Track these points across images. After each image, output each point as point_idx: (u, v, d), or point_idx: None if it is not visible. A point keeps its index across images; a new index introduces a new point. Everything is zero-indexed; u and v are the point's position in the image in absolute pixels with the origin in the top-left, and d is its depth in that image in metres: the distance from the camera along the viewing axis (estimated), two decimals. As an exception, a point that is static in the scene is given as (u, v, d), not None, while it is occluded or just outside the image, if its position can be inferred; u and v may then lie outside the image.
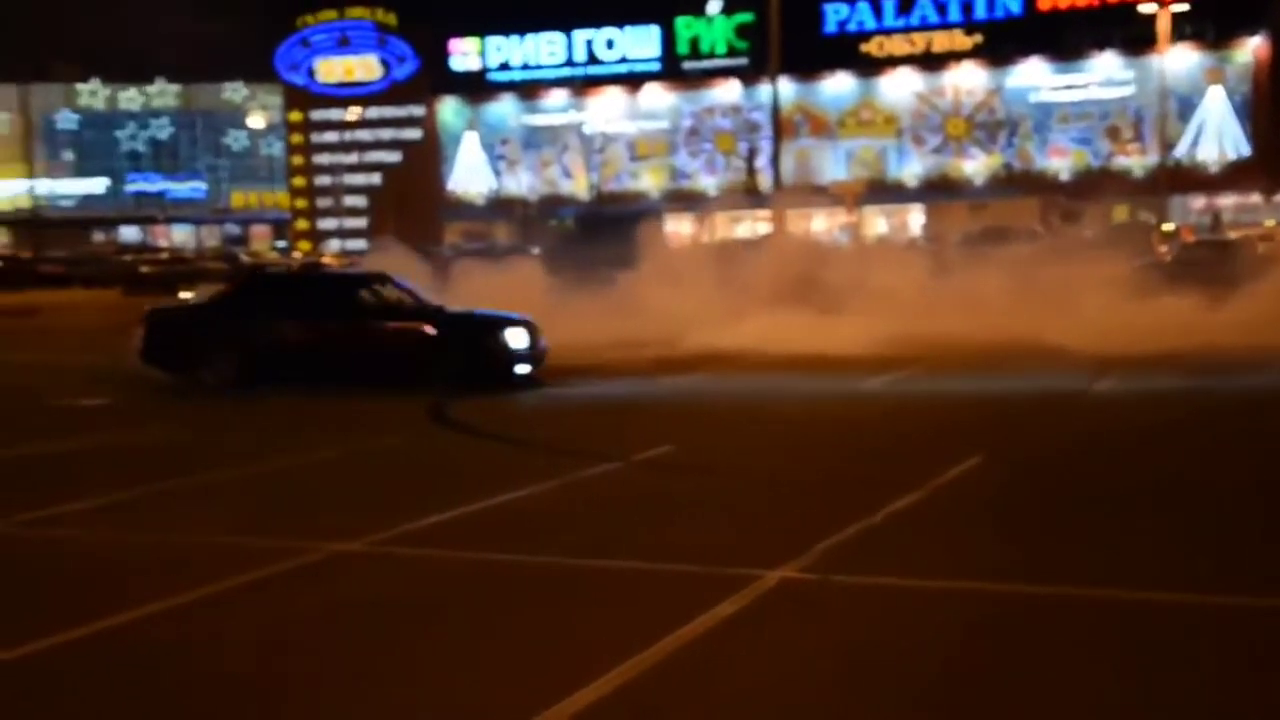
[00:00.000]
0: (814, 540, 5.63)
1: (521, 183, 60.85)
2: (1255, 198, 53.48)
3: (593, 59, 60.74)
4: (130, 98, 56.91)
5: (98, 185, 56.73)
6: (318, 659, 4.32)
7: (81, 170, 56.97)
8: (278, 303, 13.15)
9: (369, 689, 3.96)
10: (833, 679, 4.01)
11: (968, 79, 57.81)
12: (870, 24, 58.40)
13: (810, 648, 4.30)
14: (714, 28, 59.78)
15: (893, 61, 58.38)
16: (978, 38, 57.36)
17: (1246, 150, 54.21)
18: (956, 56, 57.62)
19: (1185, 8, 51.47)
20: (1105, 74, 56.19)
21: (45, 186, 55.03)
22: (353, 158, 59.20)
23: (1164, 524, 6.13)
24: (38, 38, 51.55)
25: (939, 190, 57.78)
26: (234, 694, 3.98)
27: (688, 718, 3.74)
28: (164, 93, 57.25)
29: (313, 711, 3.86)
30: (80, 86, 56.45)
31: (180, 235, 60.06)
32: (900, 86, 58.36)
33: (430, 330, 12.81)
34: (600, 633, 4.48)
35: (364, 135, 59.39)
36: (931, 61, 58.02)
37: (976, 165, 58.01)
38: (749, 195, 55.72)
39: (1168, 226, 47.87)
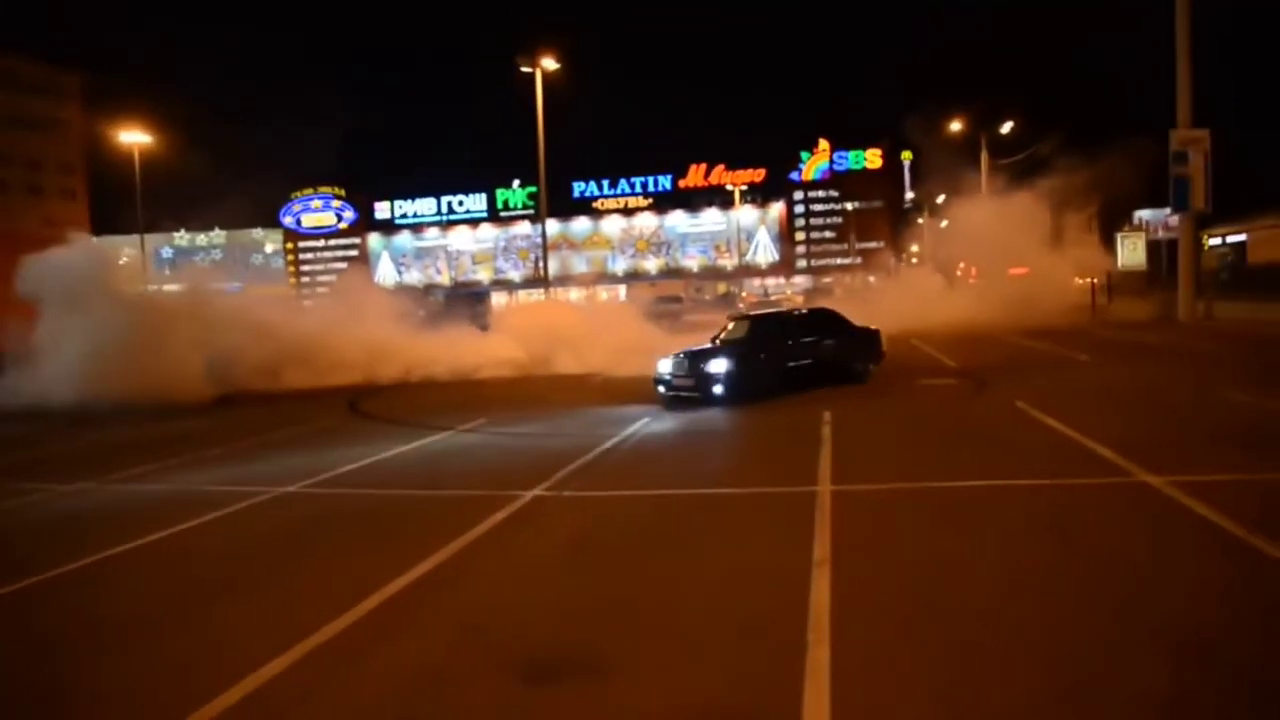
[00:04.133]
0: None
1: (414, 277, 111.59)
2: (782, 280, 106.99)
3: (452, 211, 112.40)
4: (201, 240, 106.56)
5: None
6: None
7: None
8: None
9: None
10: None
11: (646, 221, 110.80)
12: (596, 191, 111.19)
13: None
14: (515, 194, 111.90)
15: (608, 212, 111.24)
16: (651, 200, 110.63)
17: (777, 258, 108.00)
18: (640, 209, 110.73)
19: (747, 187, 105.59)
20: (712, 219, 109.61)
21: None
22: (320, 267, 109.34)
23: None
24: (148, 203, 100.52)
25: (634, 277, 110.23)
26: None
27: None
28: (218, 234, 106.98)
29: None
30: (174, 234, 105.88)
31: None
32: (613, 224, 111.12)
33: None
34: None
35: (326, 254, 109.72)
36: (628, 211, 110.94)
37: (652, 264, 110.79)
38: (537, 282, 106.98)
39: (743, 294, 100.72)
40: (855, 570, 5.87)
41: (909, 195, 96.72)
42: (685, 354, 15.72)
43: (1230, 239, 40.96)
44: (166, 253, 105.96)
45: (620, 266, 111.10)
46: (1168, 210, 36.85)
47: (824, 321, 17.41)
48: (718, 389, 14.98)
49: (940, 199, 57.23)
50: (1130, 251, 42.65)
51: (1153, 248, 42.51)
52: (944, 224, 51.74)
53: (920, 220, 79.96)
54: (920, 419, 12.36)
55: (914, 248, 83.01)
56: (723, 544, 6.82)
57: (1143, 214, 52.25)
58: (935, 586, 5.55)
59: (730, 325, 17.99)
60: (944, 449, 10.17)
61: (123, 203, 70.85)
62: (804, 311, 19.77)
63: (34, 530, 8.86)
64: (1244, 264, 34.95)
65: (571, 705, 4.34)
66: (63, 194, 71.90)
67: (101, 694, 4.84)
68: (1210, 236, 40.73)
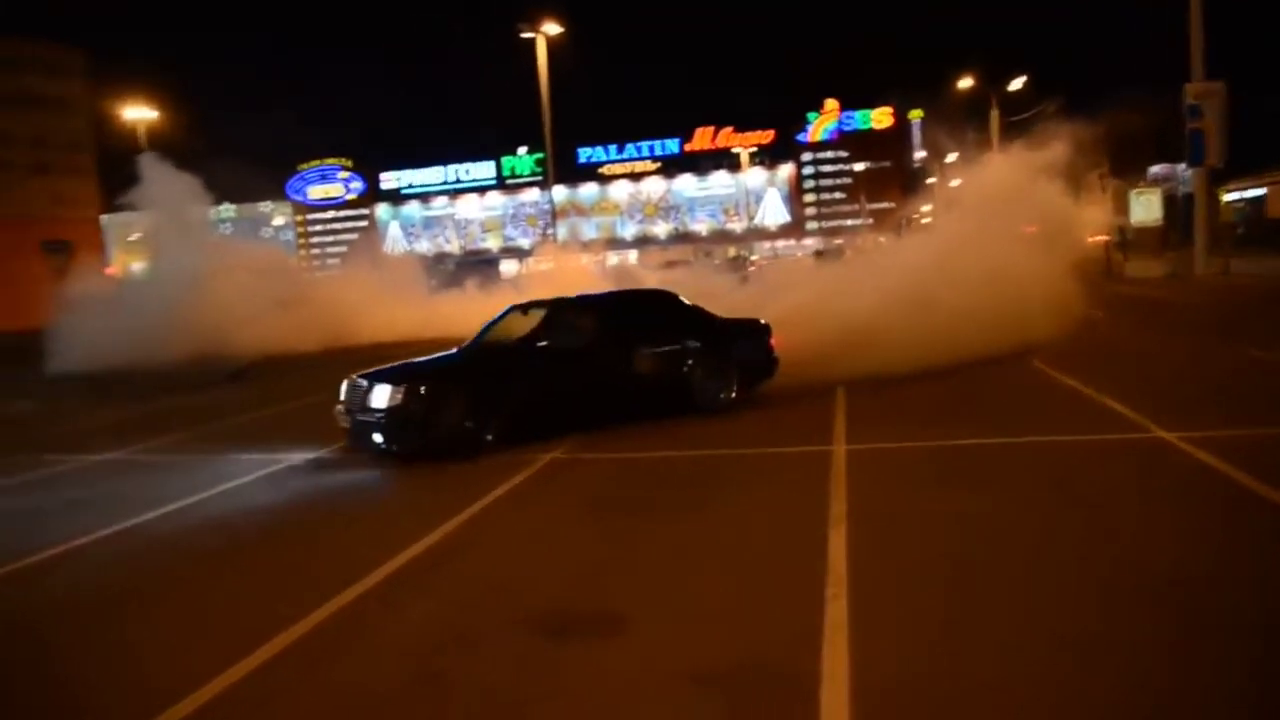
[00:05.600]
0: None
1: (423, 247, 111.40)
2: (793, 242, 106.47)
3: (459, 180, 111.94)
4: (212, 214, 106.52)
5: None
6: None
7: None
8: None
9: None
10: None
11: (654, 185, 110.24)
12: (603, 157, 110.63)
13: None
14: (522, 161, 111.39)
15: (616, 177, 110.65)
16: (658, 164, 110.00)
17: (787, 219, 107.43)
18: (647, 174, 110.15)
19: (755, 149, 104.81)
20: (720, 182, 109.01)
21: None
22: (330, 239, 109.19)
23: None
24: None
25: (643, 242, 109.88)
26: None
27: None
28: (228, 209, 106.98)
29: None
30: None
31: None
32: (620, 190, 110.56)
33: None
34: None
35: (335, 226, 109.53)
36: (636, 176, 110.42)
37: (661, 229, 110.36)
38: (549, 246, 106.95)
39: (753, 257, 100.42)
40: (871, 527, 5.92)
41: (919, 154, 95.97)
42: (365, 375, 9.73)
43: (1249, 193, 40.49)
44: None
45: (629, 231, 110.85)
46: (1182, 165, 36.43)
47: (650, 316, 11.08)
48: (378, 438, 9.22)
49: (950, 158, 56.94)
50: (1144, 208, 42.15)
51: (1169, 203, 42.07)
52: (954, 183, 51.55)
53: (930, 180, 79.30)
54: (944, 376, 12.32)
55: (925, 207, 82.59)
56: (738, 501, 6.89)
57: (1155, 169, 51.66)
58: (950, 543, 5.59)
59: (518, 316, 11.18)
60: (965, 407, 10.18)
61: (131, 180, 79.07)
62: (616, 296, 12.27)
63: (64, 504, 8.94)
64: (1261, 218, 34.56)
65: (590, 661, 4.40)
66: (71, 172, 71.62)
67: (88, 676, 4.90)
68: (1227, 192, 40.27)
